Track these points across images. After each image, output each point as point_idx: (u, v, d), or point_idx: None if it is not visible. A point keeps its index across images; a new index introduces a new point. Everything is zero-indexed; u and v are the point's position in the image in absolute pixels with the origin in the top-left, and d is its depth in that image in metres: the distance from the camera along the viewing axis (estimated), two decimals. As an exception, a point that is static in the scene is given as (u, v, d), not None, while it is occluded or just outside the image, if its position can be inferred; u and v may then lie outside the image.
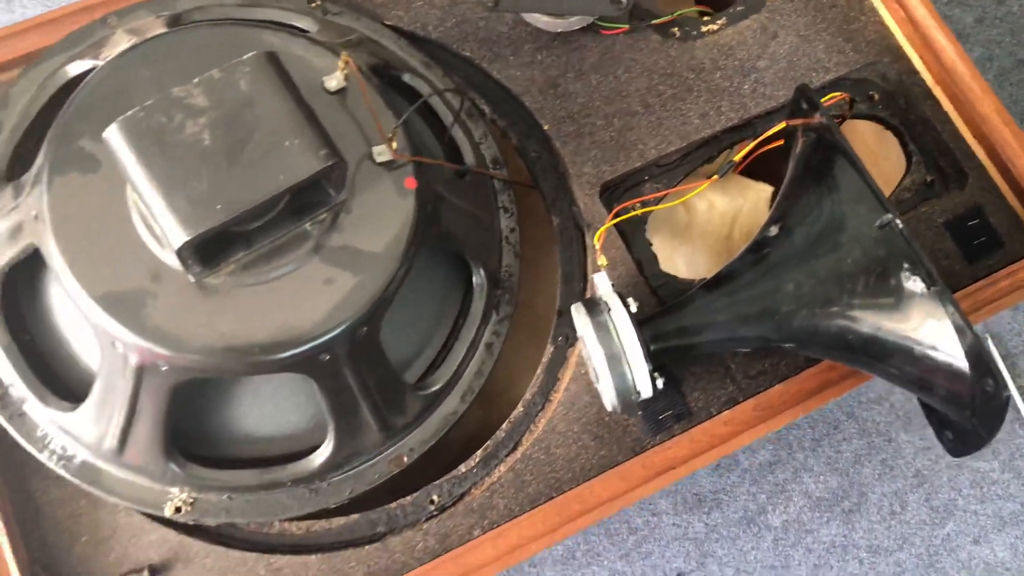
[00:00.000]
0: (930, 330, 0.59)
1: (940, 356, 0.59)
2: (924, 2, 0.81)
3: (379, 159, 0.61)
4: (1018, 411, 1.13)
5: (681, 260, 0.81)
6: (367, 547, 0.66)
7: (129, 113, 0.51)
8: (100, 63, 0.64)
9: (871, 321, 0.61)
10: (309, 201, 0.58)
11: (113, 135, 0.51)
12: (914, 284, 0.60)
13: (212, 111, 0.52)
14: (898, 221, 0.61)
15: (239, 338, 0.56)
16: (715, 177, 0.76)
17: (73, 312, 0.62)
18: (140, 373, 0.57)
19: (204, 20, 0.67)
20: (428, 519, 0.67)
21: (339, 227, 0.60)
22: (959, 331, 0.58)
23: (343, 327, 0.58)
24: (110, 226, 0.57)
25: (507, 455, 0.69)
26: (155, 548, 0.65)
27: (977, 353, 0.57)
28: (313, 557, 0.65)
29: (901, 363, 0.61)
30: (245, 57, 0.53)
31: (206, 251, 0.54)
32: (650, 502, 1.11)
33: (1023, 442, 1.15)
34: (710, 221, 0.82)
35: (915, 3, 0.81)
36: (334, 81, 0.62)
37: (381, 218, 0.61)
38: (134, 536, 0.65)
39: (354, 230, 0.60)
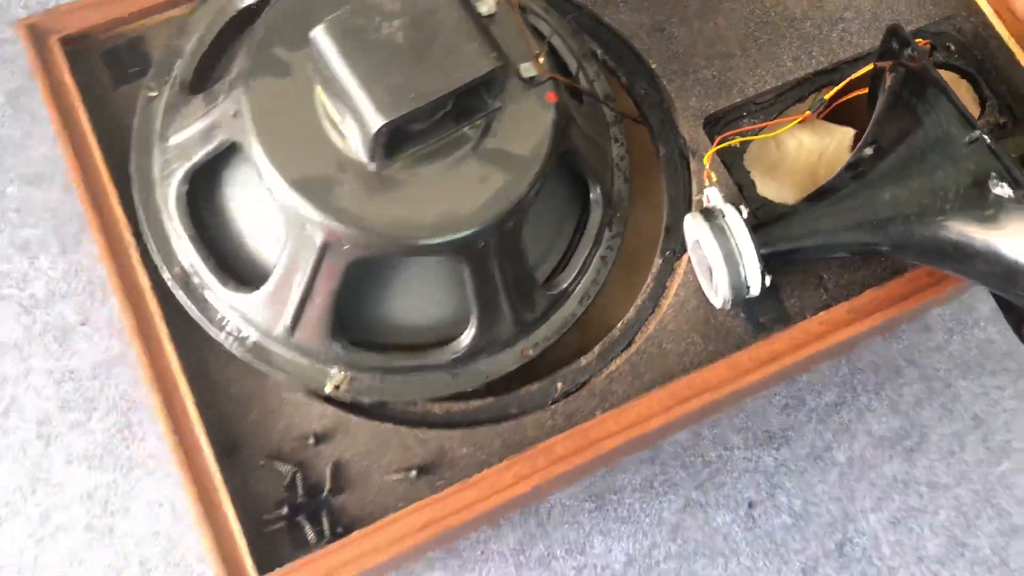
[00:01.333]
0: (1018, 229, 0.66)
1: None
2: (998, -39, 0.89)
3: (525, 75, 0.69)
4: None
5: (771, 192, 0.89)
6: (502, 424, 0.74)
7: (335, 14, 0.60)
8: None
9: (962, 225, 0.69)
10: (470, 106, 0.66)
11: (319, 34, 0.60)
12: (1002, 190, 0.67)
13: (402, 16, 0.61)
14: (985, 136, 0.69)
15: (411, 221, 0.65)
16: (808, 112, 0.84)
17: (256, 205, 0.71)
18: (323, 251, 0.66)
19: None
20: (554, 402, 0.75)
21: (492, 132, 0.68)
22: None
23: (497, 217, 0.67)
24: (300, 123, 0.65)
25: (622, 350, 0.77)
26: (317, 420, 0.73)
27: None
28: (456, 431, 0.73)
29: (988, 263, 0.69)
30: (429, -27, 0.62)
31: (390, 141, 0.63)
32: (723, 436, 1.18)
33: (1077, 388, 1.21)
34: (798, 158, 0.90)
35: (990, -39, 0.89)
36: (485, 7, 0.71)
37: (526, 126, 0.69)
38: (298, 409, 0.74)
39: (504, 135, 0.68)
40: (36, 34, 0.80)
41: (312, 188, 0.64)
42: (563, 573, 1.13)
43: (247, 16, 0.76)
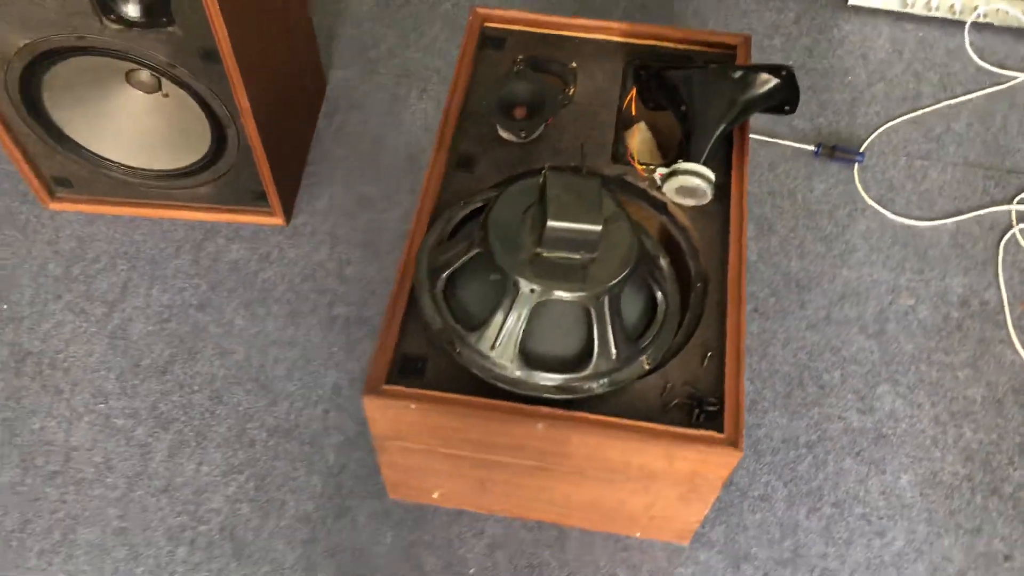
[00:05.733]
0: (761, 81, 1.53)
1: (771, 83, 1.53)
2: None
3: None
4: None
5: (647, 159, 1.68)
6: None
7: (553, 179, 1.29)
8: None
9: (745, 94, 1.54)
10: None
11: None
12: (735, 73, 1.53)
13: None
14: (714, 65, 1.54)
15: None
16: (635, 127, 1.66)
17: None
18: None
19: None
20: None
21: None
22: (767, 70, 1.52)
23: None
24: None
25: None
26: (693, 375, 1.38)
27: (775, 69, 1.52)
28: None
29: (752, 103, 1.54)
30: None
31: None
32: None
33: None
34: (643, 148, 1.71)
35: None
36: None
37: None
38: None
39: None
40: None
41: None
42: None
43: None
